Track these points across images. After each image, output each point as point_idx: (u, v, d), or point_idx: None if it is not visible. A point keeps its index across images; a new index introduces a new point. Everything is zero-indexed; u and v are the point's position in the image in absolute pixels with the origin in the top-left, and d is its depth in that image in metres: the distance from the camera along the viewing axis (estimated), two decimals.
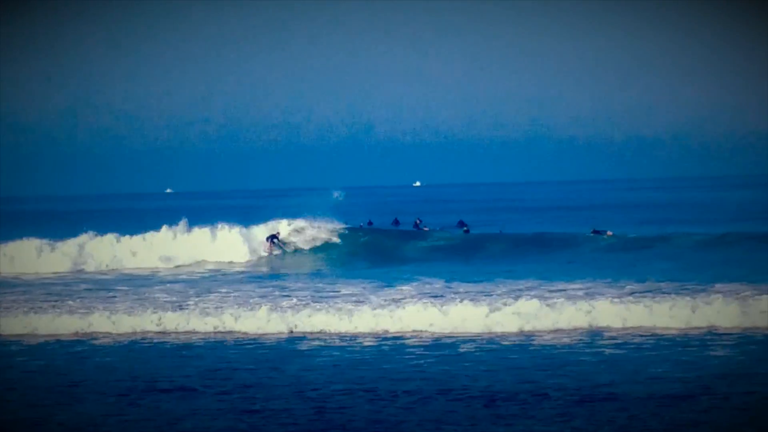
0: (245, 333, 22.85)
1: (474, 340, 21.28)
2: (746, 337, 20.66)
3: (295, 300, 26.41)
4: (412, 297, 26.36)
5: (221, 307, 25.20)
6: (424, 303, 24.51)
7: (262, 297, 27.74)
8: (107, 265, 39.38)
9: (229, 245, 41.03)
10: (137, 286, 31.94)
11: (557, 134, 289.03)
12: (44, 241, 40.82)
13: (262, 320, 23.45)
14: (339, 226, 44.85)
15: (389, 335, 22.18)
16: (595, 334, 21.61)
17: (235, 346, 21.44)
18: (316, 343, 21.56)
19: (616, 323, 22.33)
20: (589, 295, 25.34)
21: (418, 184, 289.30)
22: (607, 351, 19.66)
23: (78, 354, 21.05)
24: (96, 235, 41.29)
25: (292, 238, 42.63)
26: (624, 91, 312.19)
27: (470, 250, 41.36)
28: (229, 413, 15.14)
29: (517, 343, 20.80)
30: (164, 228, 41.91)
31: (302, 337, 22.29)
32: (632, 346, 20.13)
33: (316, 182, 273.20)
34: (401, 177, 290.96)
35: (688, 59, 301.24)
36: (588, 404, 15.06)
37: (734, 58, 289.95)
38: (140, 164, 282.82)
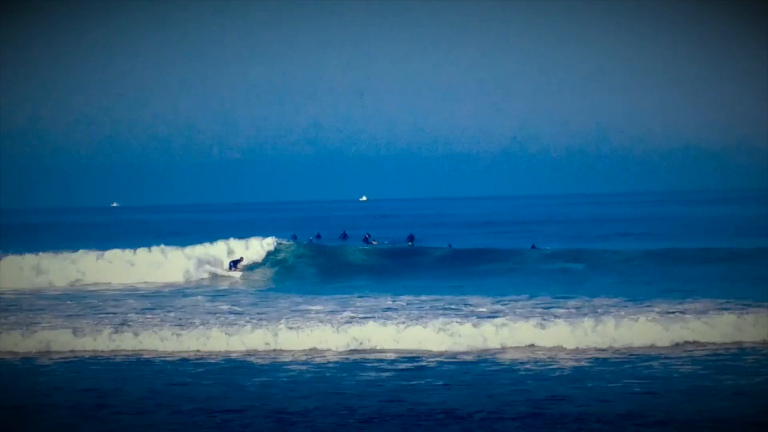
0: (197, 351, 22.34)
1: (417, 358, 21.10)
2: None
3: (248, 317, 26.03)
4: (366, 313, 26.14)
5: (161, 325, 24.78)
6: (377, 320, 24.35)
7: (211, 315, 27.36)
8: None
9: (170, 266, 40.09)
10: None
11: (506, 148, 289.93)
12: None
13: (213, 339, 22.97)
14: (284, 241, 44.50)
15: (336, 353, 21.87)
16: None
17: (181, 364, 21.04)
18: (279, 360, 21.15)
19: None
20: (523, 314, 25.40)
21: (364, 198, 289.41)
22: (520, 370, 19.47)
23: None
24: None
25: (247, 257, 42.03)
26: (563, 104, 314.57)
27: (418, 264, 41.40)
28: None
29: (442, 361, 20.41)
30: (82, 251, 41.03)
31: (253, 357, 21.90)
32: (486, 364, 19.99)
33: (261, 197, 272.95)
34: (347, 192, 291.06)
35: (675, 73, 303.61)
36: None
37: (726, 69, 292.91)
38: (86, 177, 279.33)
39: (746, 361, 19.67)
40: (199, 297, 32.28)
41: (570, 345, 21.46)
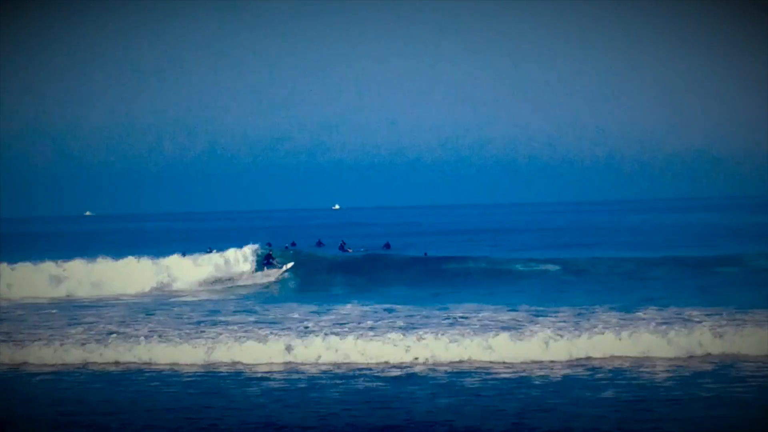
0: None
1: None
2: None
3: (236, 328, 25.59)
4: (361, 325, 25.65)
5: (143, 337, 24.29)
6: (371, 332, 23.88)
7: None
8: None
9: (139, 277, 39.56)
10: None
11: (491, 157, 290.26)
12: None
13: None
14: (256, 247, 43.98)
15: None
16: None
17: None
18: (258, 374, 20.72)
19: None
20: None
21: (337, 207, 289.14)
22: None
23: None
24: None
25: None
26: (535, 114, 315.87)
27: (396, 272, 41.14)
28: None
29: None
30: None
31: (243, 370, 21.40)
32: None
33: (228, 206, 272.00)
34: (319, 200, 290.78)
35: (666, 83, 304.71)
36: None
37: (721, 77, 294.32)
38: (59, 185, 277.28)
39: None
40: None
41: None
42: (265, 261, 41.81)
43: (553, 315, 26.45)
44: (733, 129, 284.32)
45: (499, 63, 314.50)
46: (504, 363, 20.68)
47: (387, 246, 57.12)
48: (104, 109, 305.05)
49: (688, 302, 28.21)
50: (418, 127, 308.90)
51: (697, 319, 24.44)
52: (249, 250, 42.46)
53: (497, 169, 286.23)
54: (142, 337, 23.73)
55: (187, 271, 40.41)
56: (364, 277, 40.14)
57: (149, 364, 21.71)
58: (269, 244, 48.19)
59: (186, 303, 33.53)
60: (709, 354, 21.06)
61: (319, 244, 60.55)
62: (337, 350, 21.80)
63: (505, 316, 26.48)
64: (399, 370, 20.37)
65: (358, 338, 22.47)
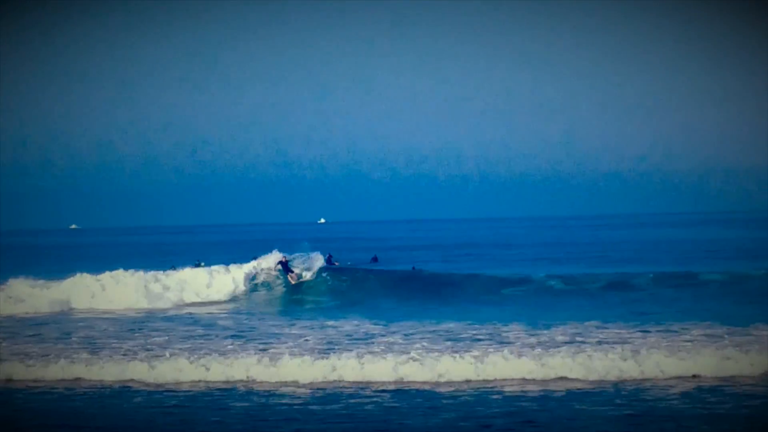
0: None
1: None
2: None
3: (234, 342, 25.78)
4: (356, 343, 25.60)
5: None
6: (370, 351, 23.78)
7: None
8: None
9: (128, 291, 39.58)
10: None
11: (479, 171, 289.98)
12: None
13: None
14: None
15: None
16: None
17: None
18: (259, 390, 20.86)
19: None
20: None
21: (323, 221, 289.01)
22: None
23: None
24: None
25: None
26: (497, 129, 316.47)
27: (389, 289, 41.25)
28: None
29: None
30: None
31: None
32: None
33: (214, 219, 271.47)
34: (305, 214, 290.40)
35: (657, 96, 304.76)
36: None
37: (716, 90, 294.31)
38: (44, 198, 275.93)
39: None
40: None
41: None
42: (283, 269, 41.79)
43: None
44: (746, 142, 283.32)
45: (482, 76, 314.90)
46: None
47: (375, 259, 57.23)
48: (87, 122, 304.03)
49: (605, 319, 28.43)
50: (404, 141, 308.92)
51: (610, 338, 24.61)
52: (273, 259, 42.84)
53: (483, 183, 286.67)
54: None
55: (223, 282, 40.64)
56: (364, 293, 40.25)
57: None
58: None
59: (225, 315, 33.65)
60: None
61: (330, 259, 60.50)
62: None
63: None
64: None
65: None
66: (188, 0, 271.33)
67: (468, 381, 20.57)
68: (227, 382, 21.15)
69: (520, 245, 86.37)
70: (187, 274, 41.03)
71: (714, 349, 21.75)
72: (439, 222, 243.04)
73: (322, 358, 22.29)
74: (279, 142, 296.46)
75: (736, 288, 36.23)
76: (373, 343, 24.92)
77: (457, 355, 21.95)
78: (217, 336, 27.31)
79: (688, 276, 39.26)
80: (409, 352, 22.64)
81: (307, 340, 25.92)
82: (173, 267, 42.91)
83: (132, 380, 21.62)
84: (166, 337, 27.39)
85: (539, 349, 22.73)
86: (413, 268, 48.82)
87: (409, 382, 20.64)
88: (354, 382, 20.71)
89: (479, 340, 24.98)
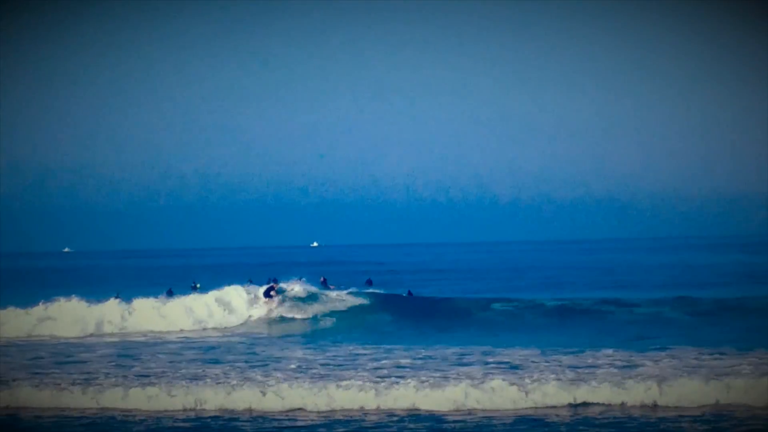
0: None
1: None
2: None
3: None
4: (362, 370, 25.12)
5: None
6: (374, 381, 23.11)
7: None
8: None
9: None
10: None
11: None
12: None
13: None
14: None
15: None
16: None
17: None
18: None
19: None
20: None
21: (315, 244, 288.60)
22: None
23: None
24: None
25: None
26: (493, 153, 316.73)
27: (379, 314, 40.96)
28: None
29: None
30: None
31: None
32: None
33: (206, 243, 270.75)
34: (298, 237, 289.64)
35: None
36: None
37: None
38: (39, 220, 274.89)
39: None
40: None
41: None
42: (266, 293, 41.49)
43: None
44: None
45: (471, 101, 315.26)
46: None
47: (369, 282, 57.00)
48: (77, 145, 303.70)
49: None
50: (395, 166, 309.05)
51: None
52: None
53: (473, 207, 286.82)
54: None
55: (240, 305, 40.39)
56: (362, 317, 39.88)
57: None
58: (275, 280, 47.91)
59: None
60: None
61: (324, 282, 60.24)
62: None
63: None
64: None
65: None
66: (170, 27, 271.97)
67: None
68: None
69: (528, 268, 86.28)
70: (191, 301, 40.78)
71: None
72: (432, 246, 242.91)
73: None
74: (271, 164, 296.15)
75: None
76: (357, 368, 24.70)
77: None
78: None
79: None
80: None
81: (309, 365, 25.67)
82: (194, 284, 43.05)
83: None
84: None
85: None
86: (409, 292, 48.56)
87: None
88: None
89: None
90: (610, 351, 26.46)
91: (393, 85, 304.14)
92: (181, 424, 19.46)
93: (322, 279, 57.47)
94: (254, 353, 29.08)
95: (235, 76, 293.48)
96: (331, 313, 41.01)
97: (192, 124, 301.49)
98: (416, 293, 48.23)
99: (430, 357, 26.87)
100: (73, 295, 39.42)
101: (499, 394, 20.87)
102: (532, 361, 25.04)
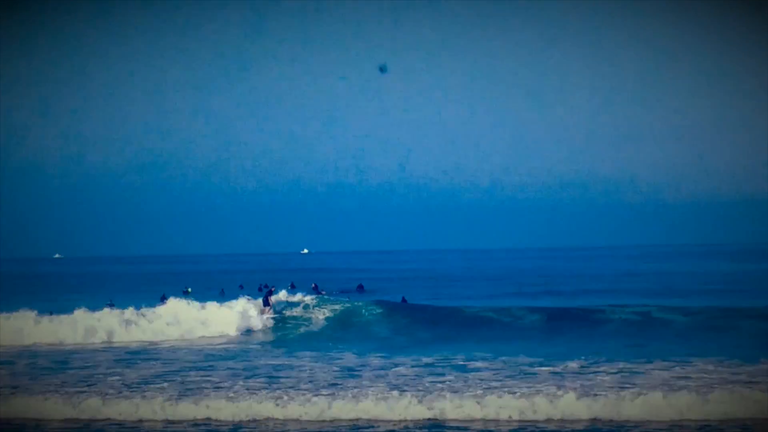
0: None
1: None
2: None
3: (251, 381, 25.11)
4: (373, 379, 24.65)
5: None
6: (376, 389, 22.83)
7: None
8: None
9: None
10: None
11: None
12: None
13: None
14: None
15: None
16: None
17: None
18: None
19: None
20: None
21: (306, 251, 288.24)
22: None
23: None
24: None
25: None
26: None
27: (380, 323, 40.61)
28: None
29: None
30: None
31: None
32: None
33: (196, 250, 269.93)
34: (288, 244, 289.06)
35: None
36: None
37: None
38: (32, 225, 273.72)
39: None
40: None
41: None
42: (264, 300, 41.19)
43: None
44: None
45: (467, 103, 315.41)
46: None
47: (360, 288, 56.96)
48: (68, 148, 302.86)
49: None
50: (386, 170, 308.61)
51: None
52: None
53: (470, 213, 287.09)
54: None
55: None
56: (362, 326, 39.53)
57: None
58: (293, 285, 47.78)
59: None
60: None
61: (292, 286, 60.29)
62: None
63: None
64: None
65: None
66: (171, 27, 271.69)
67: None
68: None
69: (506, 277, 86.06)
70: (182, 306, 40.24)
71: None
72: (423, 252, 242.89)
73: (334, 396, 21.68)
74: (260, 169, 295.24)
75: None
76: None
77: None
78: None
79: None
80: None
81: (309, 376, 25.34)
82: (186, 289, 42.79)
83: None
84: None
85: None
86: (403, 299, 48.26)
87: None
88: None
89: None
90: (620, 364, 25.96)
91: (387, 89, 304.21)
92: None
93: (313, 285, 57.61)
94: (248, 361, 28.70)
95: (227, 82, 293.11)
96: (325, 319, 40.55)
97: (183, 132, 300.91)
98: (410, 300, 47.86)
99: (429, 365, 26.49)
100: (75, 307, 39.26)
101: (502, 404, 20.44)
102: (538, 370, 24.85)
